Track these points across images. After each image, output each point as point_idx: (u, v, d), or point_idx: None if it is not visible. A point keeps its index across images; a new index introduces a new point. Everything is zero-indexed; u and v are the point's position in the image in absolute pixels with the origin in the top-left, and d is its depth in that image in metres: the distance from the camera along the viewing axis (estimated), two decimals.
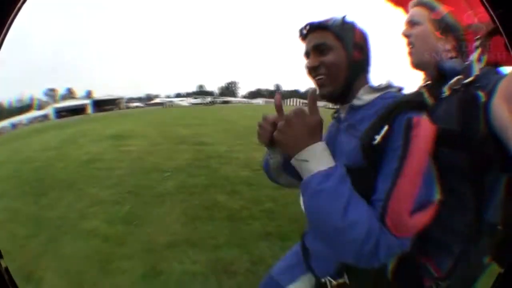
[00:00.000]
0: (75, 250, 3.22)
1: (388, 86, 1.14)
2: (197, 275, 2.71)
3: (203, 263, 2.90)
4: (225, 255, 3.04)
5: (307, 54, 1.15)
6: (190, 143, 9.27)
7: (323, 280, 1.19)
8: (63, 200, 4.86)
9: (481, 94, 0.95)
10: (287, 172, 1.34)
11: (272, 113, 1.15)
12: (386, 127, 0.93)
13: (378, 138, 0.92)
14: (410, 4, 1.34)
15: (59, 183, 5.74)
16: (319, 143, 0.91)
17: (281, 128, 0.94)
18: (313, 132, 0.92)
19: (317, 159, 0.90)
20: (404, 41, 1.31)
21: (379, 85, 1.13)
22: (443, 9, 1.26)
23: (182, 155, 7.65)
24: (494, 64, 1.12)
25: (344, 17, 1.14)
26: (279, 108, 1.13)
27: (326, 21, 1.12)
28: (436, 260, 1.07)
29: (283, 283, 1.38)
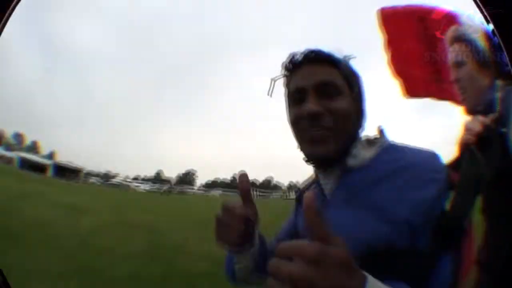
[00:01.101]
0: None
1: (383, 137, 0.91)
2: None
3: None
4: None
5: (300, 93, 0.85)
6: (144, 230, 8.67)
7: None
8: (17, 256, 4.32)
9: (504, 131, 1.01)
10: (259, 273, 0.96)
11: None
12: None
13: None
14: (448, 39, 1.32)
15: (13, 238, 5.24)
16: (368, 277, 0.57)
17: (314, 281, 0.52)
18: (354, 268, 0.56)
19: None
20: (455, 86, 1.28)
21: (373, 137, 0.90)
22: (481, 41, 1.23)
23: (136, 241, 7.09)
24: None
25: (350, 55, 0.91)
26: (245, 194, 0.89)
27: (332, 54, 0.87)
28: None
29: None
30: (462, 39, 1.28)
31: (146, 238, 7.56)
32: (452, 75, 1.29)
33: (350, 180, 0.83)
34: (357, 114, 0.88)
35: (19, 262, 4.11)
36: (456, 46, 1.30)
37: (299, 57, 0.87)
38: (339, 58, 0.86)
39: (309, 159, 0.88)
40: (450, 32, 1.34)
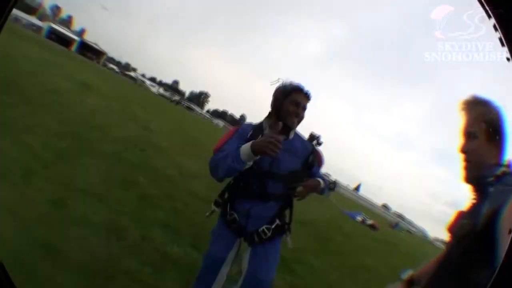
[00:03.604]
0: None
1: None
2: None
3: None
4: None
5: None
6: (139, 124, 9.54)
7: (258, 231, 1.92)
8: (19, 108, 5.25)
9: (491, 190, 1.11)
10: None
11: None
12: None
13: None
14: (465, 105, 1.30)
15: (25, 97, 5.98)
16: None
17: None
18: None
19: None
20: (461, 156, 1.30)
21: None
22: (497, 110, 1.25)
23: (127, 130, 7.91)
24: None
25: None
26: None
27: None
28: None
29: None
30: (479, 105, 1.28)
31: (137, 131, 8.46)
32: (462, 146, 1.29)
33: None
34: None
35: (22, 116, 5.02)
36: (472, 116, 1.28)
37: None
38: None
39: None
40: (469, 98, 1.30)
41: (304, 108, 1.97)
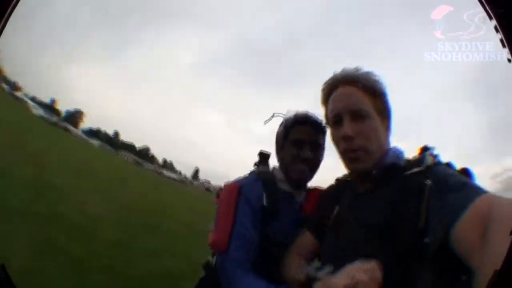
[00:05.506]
0: None
1: None
2: None
3: None
4: None
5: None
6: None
7: None
8: None
9: (429, 183, 0.81)
10: None
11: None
12: None
13: None
14: (339, 78, 1.02)
15: None
16: None
17: None
18: None
19: None
20: (342, 144, 0.98)
21: None
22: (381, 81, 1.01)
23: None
24: None
25: None
26: None
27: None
28: None
29: None
30: (363, 79, 0.98)
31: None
32: (346, 130, 0.94)
33: None
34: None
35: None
36: (355, 90, 0.97)
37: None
38: None
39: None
40: (350, 70, 1.01)
41: (313, 146, 1.25)
